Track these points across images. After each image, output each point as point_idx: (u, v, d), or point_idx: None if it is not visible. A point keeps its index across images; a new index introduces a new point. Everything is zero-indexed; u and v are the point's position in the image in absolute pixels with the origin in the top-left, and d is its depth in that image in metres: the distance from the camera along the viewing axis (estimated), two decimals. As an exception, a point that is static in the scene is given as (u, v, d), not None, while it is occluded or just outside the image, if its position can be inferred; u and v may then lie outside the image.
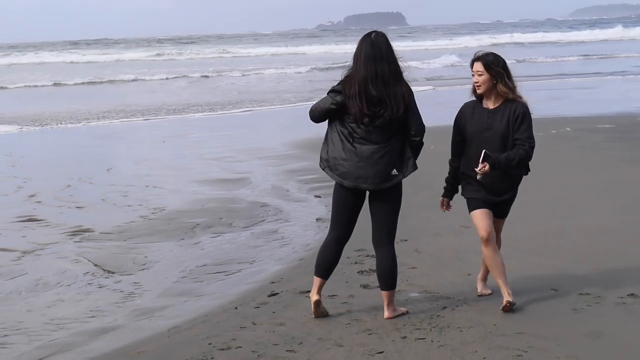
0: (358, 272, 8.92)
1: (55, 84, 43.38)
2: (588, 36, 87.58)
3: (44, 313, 8.30)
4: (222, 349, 6.85)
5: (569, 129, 18.69)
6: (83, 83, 43.96)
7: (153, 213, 12.63)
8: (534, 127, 7.46)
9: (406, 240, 9.83)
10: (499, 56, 7.51)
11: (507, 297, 7.39)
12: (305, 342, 6.93)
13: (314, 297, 7.49)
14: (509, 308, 7.35)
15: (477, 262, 9.20)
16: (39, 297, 8.85)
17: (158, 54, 76.46)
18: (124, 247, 10.74)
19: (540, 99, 25.42)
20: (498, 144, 7.36)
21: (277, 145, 19.15)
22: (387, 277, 7.42)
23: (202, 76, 47.61)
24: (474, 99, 7.63)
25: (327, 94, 7.30)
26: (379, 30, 7.45)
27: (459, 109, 7.74)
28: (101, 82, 44.72)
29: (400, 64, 7.26)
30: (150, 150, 19.84)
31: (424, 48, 76.62)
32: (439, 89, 33.86)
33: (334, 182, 7.47)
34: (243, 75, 48.24)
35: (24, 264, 10.09)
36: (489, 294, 7.89)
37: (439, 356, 6.49)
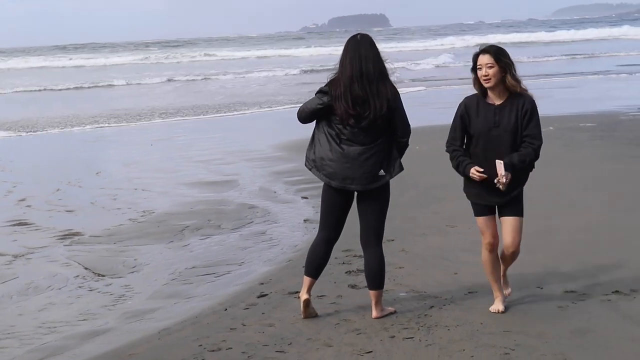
0: (346, 272, 8.93)
1: (43, 89, 43.24)
2: (571, 36, 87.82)
3: (35, 317, 8.27)
4: (213, 351, 6.84)
5: (552, 127, 18.74)
6: (71, 88, 43.77)
7: (142, 216, 12.62)
8: None
9: (393, 240, 9.84)
10: (503, 48, 7.19)
11: (498, 305, 7.36)
12: (294, 343, 6.93)
13: (303, 296, 7.49)
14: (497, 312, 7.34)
15: (463, 261, 9.25)
16: (30, 300, 8.82)
17: (146, 58, 76.24)
18: (114, 250, 10.72)
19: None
20: (507, 142, 7.04)
21: (265, 148, 19.15)
22: (375, 277, 7.43)
23: (189, 79, 47.53)
24: (475, 93, 7.23)
25: (315, 94, 7.32)
26: (363, 32, 7.52)
27: (460, 103, 7.32)
28: (89, 87, 44.55)
29: (387, 65, 7.29)
30: (139, 154, 19.80)
31: (411, 49, 76.71)
32: (425, 90, 33.91)
33: (321, 184, 7.48)
34: (230, 77, 48.20)
35: (14, 268, 10.06)
36: (509, 293, 7.67)
37: (427, 355, 6.49)
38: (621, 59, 48.07)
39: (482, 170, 7.03)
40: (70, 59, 79.09)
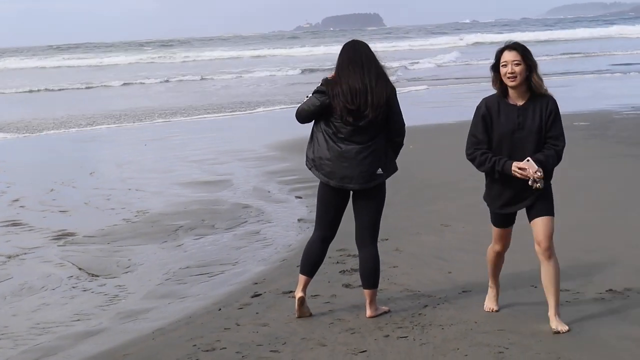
0: (340, 271, 8.93)
1: (37, 90, 43.20)
2: (566, 35, 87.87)
3: (29, 317, 8.26)
4: (207, 351, 6.84)
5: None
6: (65, 89, 43.73)
7: (136, 216, 12.61)
8: None
9: (387, 240, 9.84)
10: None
11: (491, 304, 7.35)
12: (288, 342, 6.93)
13: (298, 294, 7.50)
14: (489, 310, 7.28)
15: (457, 260, 9.26)
16: (24, 301, 8.82)
17: (140, 58, 76.06)
18: (108, 250, 10.72)
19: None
20: (532, 145, 6.68)
21: (258, 147, 19.16)
22: (370, 275, 7.45)
23: (183, 80, 47.46)
24: (495, 93, 6.85)
25: (312, 94, 7.35)
26: (358, 39, 7.61)
27: (478, 105, 6.90)
28: (85, 88, 44.51)
29: (382, 64, 7.36)
30: (132, 154, 19.81)
31: (407, 49, 76.77)
32: (427, 89, 33.91)
33: (315, 183, 7.50)
34: (225, 77, 48.18)
35: (8, 269, 10.05)
36: (567, 331, 6.74)
37: (421, 354, 6.50)
38: (615, 58, 48.18)
39: (524, 167, 6.57)
40: (64, 58, 79.06)
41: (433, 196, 12.64)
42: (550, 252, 6.79)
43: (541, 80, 6.73)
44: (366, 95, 7.16)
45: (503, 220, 7.02)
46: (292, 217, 11.98)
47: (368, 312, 7.46)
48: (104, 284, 9.32)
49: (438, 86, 35.12)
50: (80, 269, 9.88)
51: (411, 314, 7.47)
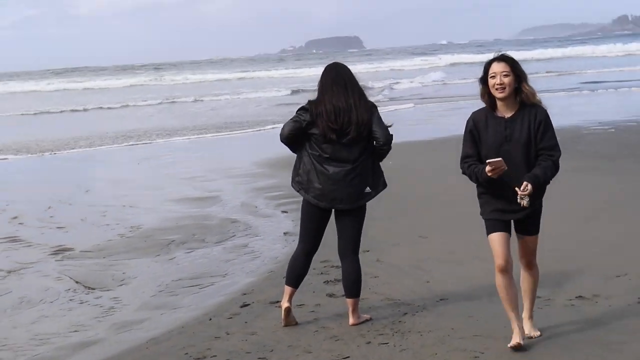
0: (324, 282, 8.95)
1: (33, 113, 43.04)
2: (537, 55, 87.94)
3: (28, 329, 8.25)
4: (198, 359, 6.85)
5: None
6: (63, 111, 43.54)
7: (130, 231, 12.60)
8: None
9: (368, 251, 9.85)
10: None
11: (517, 338, 6.43)
12: (276, 350, 6.94)
13: (284, 304, 7.53)
14: (518, 348, 6.40)
15: (435, 269, 9.28)
16: (23, 314, 8.80)
17: (134, 82, 75.35)
18: (103, 264, 10.70)
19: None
20: (520, 157, 6.29)
21: (247, 165, 19.15)
22: (353, 285, 7.48)
23: (175, 102, 47.19)
24: (483, 106, 6.48)
25: (296, 112, 7.38)
26: (339, 61, 7.68)
27: (468, 119, 6.55)
28: (80, 110, 44.32)
29: (361, 84, 7.42)
30: (126, 172, 19.81)
31: (388, 69, 76.57)
32: (404, 107, 33.95)
33: (300, 199, 7.51)
34: (215, 99, 47.98)
35: (8, 283, 10.03)
36: (539, 336, 6.73)
37: (401, 359, 6.53)
38: (584, 76, 48.36)
39: (495, 160, 6.15)
40: (61, 82, 78.66)
41: (411, 209, 12.68)
42: (532, 264, 6.72)
43: (533, 89, 6.35)
44: (350, 113, 7.20)
45: (497, 225, 6.42)
46: (279, 231, 11.98)
47: (351, 320, 7.47)
48: (100, 296, 9.31)
49: (424, 104, 35.09)
50: (77, 282, 9.87)
51: (391, 321, 7.49)
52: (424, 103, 35.43)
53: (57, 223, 13.61)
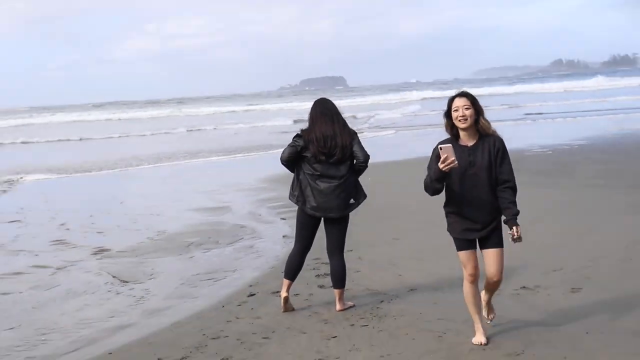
0: (315, 275, 8.97)
1: (77, 140, 42.94)
2: (489, 91, 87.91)
3: (74, 315, 8.25)
4: (214, 338, 6.87)
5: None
6: (100, 138, 43.32)
7: (157, 235, 12.59)
8: None
9: (351, 251, 9.86)
10: None
11: (481, 338, 6.24)
12: (277, 331, 6.96)
13: (283, 294, 7.56)
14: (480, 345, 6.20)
15: (406, 265, 9.30)
16: (70, 303, 8.80)
17: (159, 116, 74.25)
18: (135, 262, 10.70)
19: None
20: (484, 179, 6.03)
21: (252, 181, 19.12)
22: (339, 278, 7.51)
23: (191, 130, 46.69)
24: (448, 137, 6.16)
25: (292, 139, 7.45)
26: (325, 97, 7.75)
27: (434, 147, 6.12)
28: (116, 137, 44.12)
29: (351, 115, 7.50)
30: (154, 188, 19.76)
31: (369, 103, 76.15)
32: (384, 134, 33.93)
33: (296, 208, 7.55)
34: (227, 127, 47.77)
35: (57, 278, 10.02)
36: (493, 317, 6.65)
37: (379, 338, 6.55)
38: (528, 108, 48.33)
39: (446, 145, 5.89)
40: (101, 113, 78.30)
41: (386, 216, 12.69)
42: (499, 280, 6.21)
43: (488, 122, 6.12)
44: (336, 139, 7.27)
45: (465, 243, 6.15)
46: (278, 234, 11.98)
47: (337, 307, 7.50)
48: (133, 288, 9.30)
49: (403, 131, 34.95)
50: (113, 276, 9.87)
51: (371, 307, 7.51)
52: (403, 130, 35.40)
53: (97, 228, 13.59)
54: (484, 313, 6.55)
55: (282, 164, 7.52)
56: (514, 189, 6.08)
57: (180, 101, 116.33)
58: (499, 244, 6.15)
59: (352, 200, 7.41)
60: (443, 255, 9.35)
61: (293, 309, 7.60)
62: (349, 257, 8.84)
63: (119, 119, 68.35)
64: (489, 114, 6.30)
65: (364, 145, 7.47)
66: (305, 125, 7.55)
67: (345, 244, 7.65)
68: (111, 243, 12.09)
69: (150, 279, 9.75)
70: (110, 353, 6.82)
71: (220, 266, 10.16)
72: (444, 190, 6.18)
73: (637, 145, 21.87)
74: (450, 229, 6.24)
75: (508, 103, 56.25)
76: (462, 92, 6.17)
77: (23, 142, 41.66)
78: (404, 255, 9.87)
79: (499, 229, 6.14)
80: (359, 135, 7.54)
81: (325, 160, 7.28)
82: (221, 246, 11.45)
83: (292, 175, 7.59)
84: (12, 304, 8.84)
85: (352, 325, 6.99)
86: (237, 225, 12.98)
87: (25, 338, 7.51)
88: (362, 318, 7.18)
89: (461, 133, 6.10)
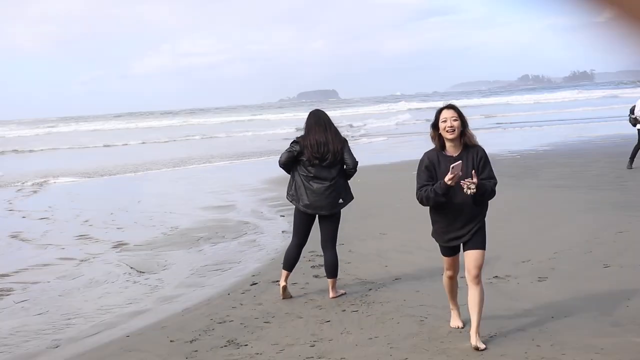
0: (311, 266, 8.94)
1: (100, 146, 42.86)
2: (467, 102, 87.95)
3: (95, 302, 8.21)
4: (220, 322, 6.83)
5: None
6: (120, 145, 43.23)
7: (170, 230, 12.55)
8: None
9: (343, 244, 9.82)
10: None
11: (457, 322, 6.23)
12: (276, 316, 6.93)
13: (282, 283, 7.54)
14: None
15: (392, 257, 9.28)
16: (92, 291, 8.76)
17: (173, 124, 73.54)
18: (151, 254, 10.66)
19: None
20: None
21: (255, 182, 19.12)
22: (331, 269, 7.49)
23: (203, 137, 46.47)
24: (434, 147, 5.83)
25: (290, 145, 7.46)
26: (320, 108, 7.81)
27: (422, 158, 5.87)
28: (135, 144, 44.03)
29: (346, 124, 7.50)
30: (168, 188, 19.72)
31: (360, 113, 75.58)
32: (375, 140, 33.92)
33: (293, 207, 7.54)
34: (235, 135, 47.61)
35: (81, 269, 9.98)
36: (484, 349, 5.71)
37: (367, 322, 6.53)
38: (498, 118, 48.47)
39: (457, 163, 5.59)
40: (121, 123, 78.05)
41: (374, 214, 12.68)
42: (478, 279, 5.77)
43: (472, 133, 5.83)
44: (328, 145, 7.27)
45: (450, 250, 5.98)
46: (278, 230, 11.96)
47: (330, 294, 7.48)
48: (148, 278, 9.27)
49: (392, 138, 34.88)
50: (131, 268, 9.83)
51: (360, 295, 7.50)
52: (392, 137, 35.42)
53: (117, 225, 13.55)
54: (473, 341, 5.72)
55: (280, 166, 7.54)
56: (492, 189, 5.77)
57: (192, 112, 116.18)
58: (480, 245, 5.79)
59: (340, 200, 7.41)
60: (425, 248, 9.33)
61: (291, 297, 7.57)
62: (341, 250, 8.83)
63: (136, 127, 68.14)
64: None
65: (360, 150, 7.47)
66: (300, 133, 7.59)
67: (337, 238, 7.63)
68: (129, 238, 12.04)
69: (164, 269, 9.71)
70: (128, 336, 6.78)
71: (226, 258, 10.12)
72: None
73: (595, 150, 21.91)
74: (435, 236, 5.99)
75: (483, 113, 56.33)
76: (449, 104, 5.89)
77: (52, 149, 41.53)
78: (389, 248, 9.85)
79: (482, 229, 5.82)
80: (355, 141, 7.56)
81: (319, 163, 7.28)
82: (227, 240, 11.41)
83: (289, 177, 7.58)
84: (41, 292, 8.79)
85: (344, 310, 6.97)
86: (242, 222, 12.95)
87: (52, 322, 7.47)
88: (353, 304, 7.16)
89: (447, 143, 5.77)
